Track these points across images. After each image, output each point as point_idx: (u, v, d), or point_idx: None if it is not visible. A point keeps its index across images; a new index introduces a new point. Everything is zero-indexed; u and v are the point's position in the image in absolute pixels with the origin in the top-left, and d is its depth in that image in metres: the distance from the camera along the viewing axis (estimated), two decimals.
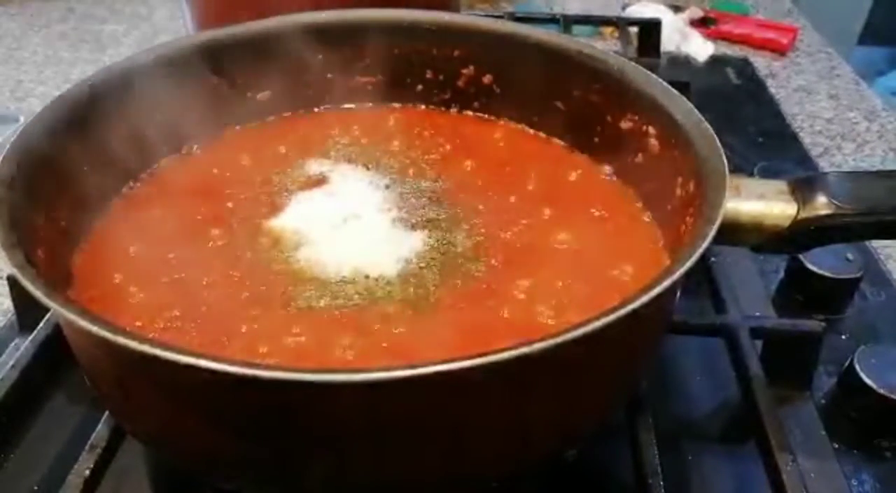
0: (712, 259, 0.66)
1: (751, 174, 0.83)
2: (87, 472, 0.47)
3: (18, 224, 0.43)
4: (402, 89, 0.69)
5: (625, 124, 0.58)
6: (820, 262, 0.69)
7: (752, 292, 0.68)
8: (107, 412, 0.49)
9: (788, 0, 1.41)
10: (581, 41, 0.62)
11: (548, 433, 0.44)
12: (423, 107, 0.70)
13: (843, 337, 0.66)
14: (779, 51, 1.21)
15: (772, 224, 0.47)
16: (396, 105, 0.70)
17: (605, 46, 0.61)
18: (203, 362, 0.33)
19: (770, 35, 1.22)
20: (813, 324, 0.59)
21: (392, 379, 0.33)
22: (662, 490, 0.47)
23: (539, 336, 0.34)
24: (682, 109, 0.52)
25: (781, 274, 0.72)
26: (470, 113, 0.69)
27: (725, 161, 0.46)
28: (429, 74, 0.68)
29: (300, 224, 0.55)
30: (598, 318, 0.36)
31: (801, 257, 0.69)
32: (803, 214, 0.47)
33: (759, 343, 0.59)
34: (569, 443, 0.48)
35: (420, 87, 0.69)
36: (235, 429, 0.39)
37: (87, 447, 0.48)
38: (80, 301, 0.46)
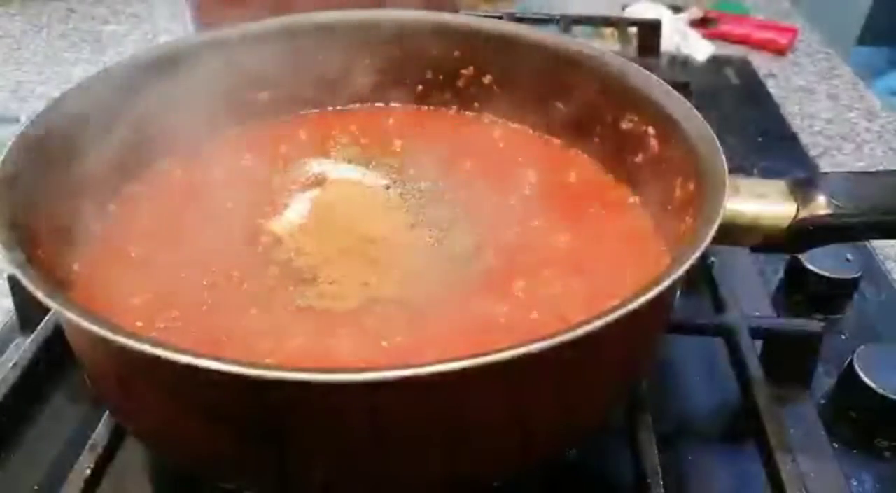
0: (712, 259, 0.66)
1: (751, 174, 0.83)
2: (87, 472, 0.46)
3: (18, 224, 0.43)
4: (402, 89, 0.69)
5: (625, 124, 0.58)
6: (820, 262, 0.68)
7: (752, 292, 0.68)
8: (107, 412, 0.49)
9: (788, 0, 1.41)
10: (581, 41, 0.62)
11: (548, 433, 0.44)
12: (423, 107, 0.70)
13: (843, 337, 0.66)
14: (778, 51, 1.21)
15: (771, 224, 0.47)
16: (396, 105, 0.70)
17: (605, 46, 0.61)
18: (203, 362, 0.33)
19: (770, 35, 1.22)
20: (813, 324, 0.59)
21: (392, 379, 0.33)
22: (662, 490, 0.47)
23: (539, 336, 0.34)
24: (682, 109, 0.52)
25: (781, 274, 0.72)
26: (470, 113, 0.69)
27: (725, 161, 0.46)
28: (429, 74, 0.68)
29: (300, 224, 0.55)
30: (598, 318, 0.36)
31: (800, 256, 0.69)
32: (803, 215, 0.47)
33: (759, 343, 0.59)
34: (569, 443, 0.48)
35: (420, 87, 0.69)
36: (235, 429, 0.39)
37: (87, 447, 0.48)
38: (81, 301, 0.46)
